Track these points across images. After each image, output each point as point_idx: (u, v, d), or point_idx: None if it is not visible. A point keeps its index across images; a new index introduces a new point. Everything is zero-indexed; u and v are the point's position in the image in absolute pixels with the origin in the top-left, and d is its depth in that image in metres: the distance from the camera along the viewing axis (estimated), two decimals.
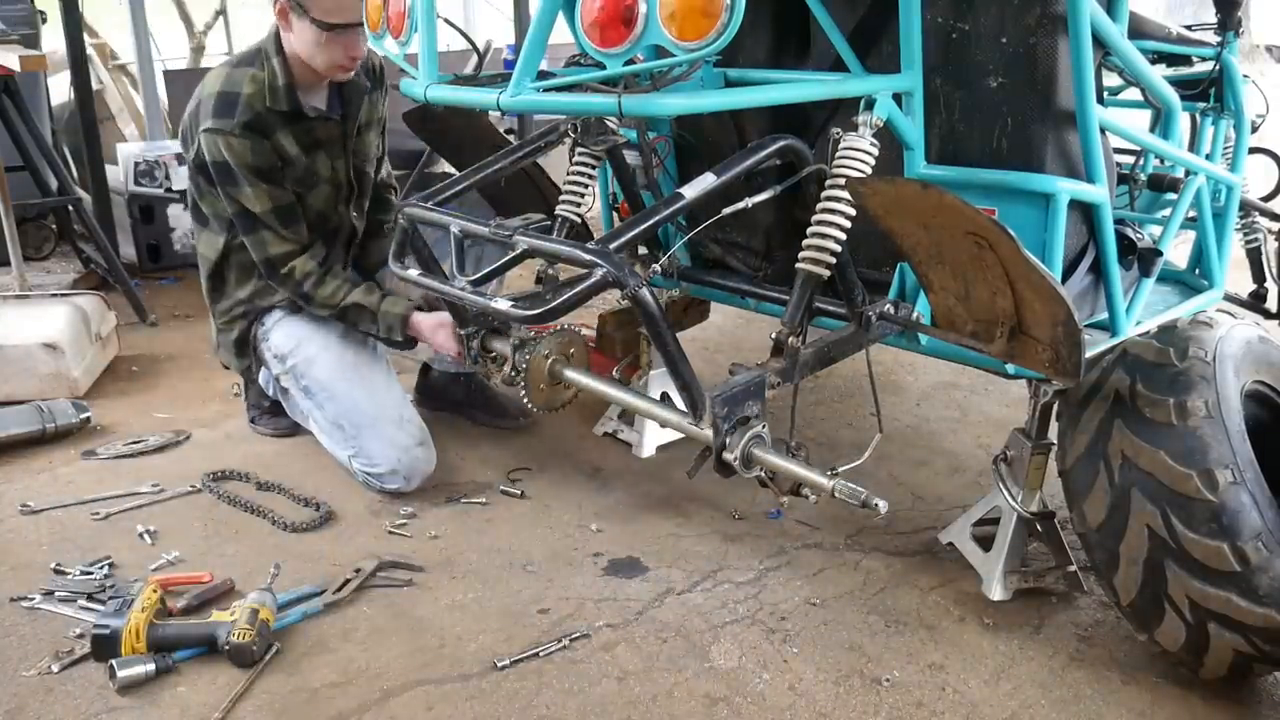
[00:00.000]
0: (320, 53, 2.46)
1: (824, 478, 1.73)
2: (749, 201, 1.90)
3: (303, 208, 2.63)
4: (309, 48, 2.46)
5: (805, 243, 1.86)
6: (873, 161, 1.83)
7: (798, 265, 1.87)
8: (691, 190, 1.83)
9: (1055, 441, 2.10)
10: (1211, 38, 2.40)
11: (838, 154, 1.83)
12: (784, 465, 1.79)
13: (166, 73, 6.28)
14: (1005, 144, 1.92)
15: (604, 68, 1.60)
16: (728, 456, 1.80)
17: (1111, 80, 2.48)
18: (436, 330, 2.50)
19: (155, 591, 2.01)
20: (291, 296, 2.64)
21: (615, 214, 2.72)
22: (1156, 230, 2.34)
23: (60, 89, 5.28)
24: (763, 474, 1.84)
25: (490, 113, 2.45)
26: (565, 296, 1.77)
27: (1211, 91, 2.42)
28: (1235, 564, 1.72)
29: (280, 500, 2.59)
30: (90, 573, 2.22)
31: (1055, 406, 2.12)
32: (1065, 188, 1.86)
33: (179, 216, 4.66)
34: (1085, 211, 1.96)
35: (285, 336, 2.68)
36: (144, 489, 2.62)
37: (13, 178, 3.83)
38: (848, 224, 1.83)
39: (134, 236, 4.66)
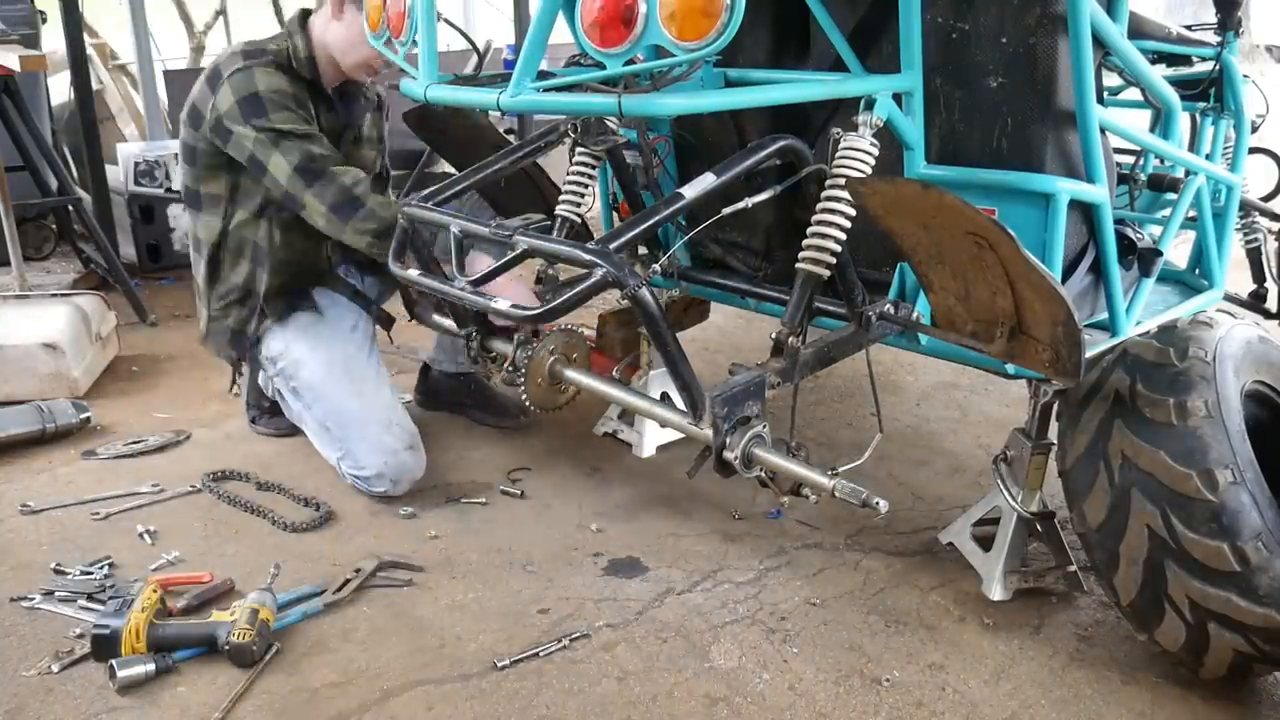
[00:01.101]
0: (360, 48, 2.46)
1: (824, 477, 1.73)
2: (749, 201, 1.90)
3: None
4: (351, 41, 2.48)
5: (805, 243, 1.86)
6: (873, 161, 1.83)
7: (798, 265, 1.87)
8: (691, 190, 1.83)
9: (1055, 441, 2.10)
10: (1211, 38, 2.40)
11: (838, 154, 1.83)
12: (784, 465, 1.79)
13: (166, 73, 6.27)
14: (1005, 144, 1.92)
15: (604, 68, 1.60)
16: (728, 455, 1.80)
17: (1111, 80, 2.48)
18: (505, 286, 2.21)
19: (155, 591, 2.01)
20: (334, 203, 2.43)
21: (615, 214, 2.72)
22: (1156, 230, 2.34)
23: (60, 89, 5.28)
24: (763, 474, 1.84)
25: (490, 113, 2.45)
26: (565, 296, 1.77)
27: (1211, 91, 2.42)
28: (1235, 564, 1.72)
29: (280, 500, 2.59)
30: (90, 573, 2.22)
31: (1055, 406, 2.12)
32: (1065, 188, 1.85)
33: (179, 216, 4.66)
34: (1085, 211, 1.96)
35: (276, 339, 2.67)
36: (144, 489, 2.62)
37: (13, 178, 3.83)
38: (848, 224, 1.83)
39: (134, 236, 4.66)
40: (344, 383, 2.62)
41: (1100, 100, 1.97)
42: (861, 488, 1.68)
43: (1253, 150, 2.60)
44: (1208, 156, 2.43)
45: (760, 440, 1.81)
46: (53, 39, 4.80)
